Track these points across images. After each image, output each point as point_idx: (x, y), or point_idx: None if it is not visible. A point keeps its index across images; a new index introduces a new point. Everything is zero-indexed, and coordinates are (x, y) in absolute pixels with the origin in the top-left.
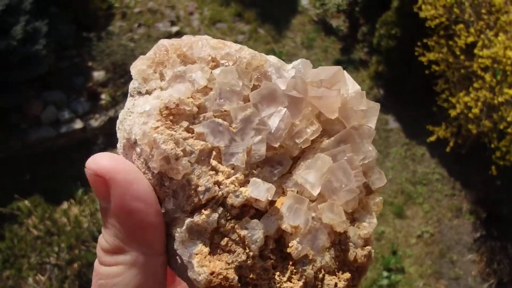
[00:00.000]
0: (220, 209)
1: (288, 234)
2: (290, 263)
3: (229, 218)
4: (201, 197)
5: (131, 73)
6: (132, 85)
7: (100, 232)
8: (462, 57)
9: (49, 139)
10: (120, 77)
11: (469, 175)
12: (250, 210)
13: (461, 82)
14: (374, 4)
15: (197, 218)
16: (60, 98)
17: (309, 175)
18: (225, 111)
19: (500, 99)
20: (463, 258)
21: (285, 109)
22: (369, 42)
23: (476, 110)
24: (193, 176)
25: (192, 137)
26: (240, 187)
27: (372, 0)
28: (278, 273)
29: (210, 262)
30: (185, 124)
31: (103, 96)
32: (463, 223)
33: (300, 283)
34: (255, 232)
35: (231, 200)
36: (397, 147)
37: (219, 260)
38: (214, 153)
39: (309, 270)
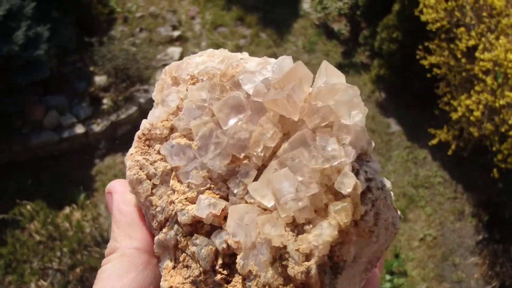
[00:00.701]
0: (176, 227)
1: (237, 249)
2: (240, 278)
3: (184, 235)
4: (159, 216)
5: None
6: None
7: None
8: (463, 60)
9: (51, 144)
10: (122, 81)
11: (471, 178)
12: (204, 226)
13: (462, 85)
14: (375, 8)
15: (160, 235)
16: (62, 102)
17: (258, 186)
18: (190, 129)
19: (502, 102)
20: (466, 261)
21: (245, 117)
22: (371, 46)
23: (477, 113)
24: (154, 197)
25: (161, 159)
26: (191, 204)
27: (373, 4)
28: (230, 287)
29: (171, 276)
30: (157, 147)
31: (105, 100)
32: (465, 226)
33: None
34: (201, 248)
35: (180, 218)
36: (399, 150)
37: (179, 275)
38: (173, 173)
39: (254, 286)
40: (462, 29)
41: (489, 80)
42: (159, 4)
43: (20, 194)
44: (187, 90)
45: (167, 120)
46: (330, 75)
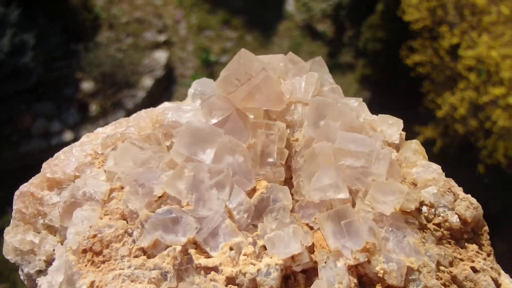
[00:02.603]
0: None
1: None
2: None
3: None
4: None
5: None
6: None
7: None
8: (446, 58)
9: (40, 151)
10: (109, 87)
11: (457, 174)
12: (295, 277)
13: (446, 83)
14: (359, 8)
15: None
16: (51, 109)
17: (321, 181)
18: (159, 197)
19: (485, 98)
20: None
21: (227, 137)
22: (355, 46)
23: (462, 110)
24: None
25: (145, 258)
26: (258, 260)
27: (357, 4)
28: None
29: None
30: (124, 250)
31: (93, 106)
32: None
33: None
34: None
35: (264, 284)
36: None
37: None
38: (191, 250)
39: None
40: (445, 27)
41: (472, 77)
42: (145, 9)
43: (10, 202)
44: (102, 169)
45: (106, 214)
46: (271, 57)
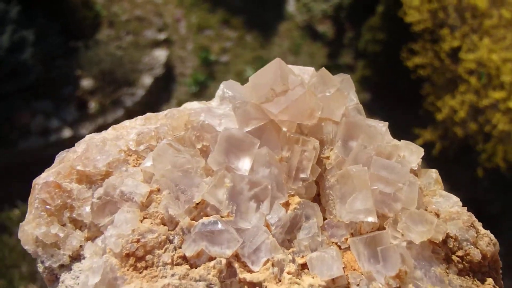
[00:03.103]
0: None
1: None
2: None
3: None
4: None
5: None
6: None
7: None
8: (447, 61)
9: (39, 148)
10: (109, 85)
11: (456, 177)
12: None
13: (446, 85)
14: (359, 10)
15: None
16: (49, 107)
17: (356, 203)
18: (197, 204)
19: (485, 102)
20: None
21: (265, 149)
22: (355, 47)
23: (462, 113)
24: None
25: (187, 267)
26: (298, 278)
27: (357, 6)
28: None
29: None
30: (167, 257)
31: (92, 104)
32: None
33: None
34: None
35: None
36: None
37: None
38: (235, 264)
39: None
40: (446, 30)
41: (473, 80)
42: (145, 8)
43: (8, 199)
44: (139, 168)
45: (145, 217)
46: (302, 69)
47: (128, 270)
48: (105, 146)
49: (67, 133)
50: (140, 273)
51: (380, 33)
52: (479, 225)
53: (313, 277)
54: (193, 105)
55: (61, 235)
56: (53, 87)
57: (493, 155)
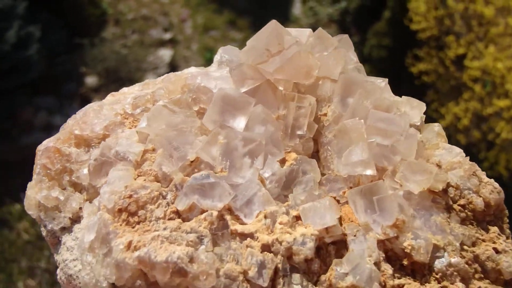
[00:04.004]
0: (296, 278)
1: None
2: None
3: (309, 280)
4: (264, 277)
5: None
6: None
7: None
8: (452, 68)
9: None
10: (113, 83)
11: None
12: (327, 248)
13: (450, 93)
14: (365, 14)
15: None
16: (53, 103)
17: (352, 156)
18: (192, 161)
19: (489, 110)
20: None
21: (260, 106)
22: (360, 52)
23: (465, 121)
24: (228, 266)
25: (180, 221)
26: (292, 229)
27: (363, 10)
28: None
29: None
30: (159, 212)
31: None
32: None
33: None
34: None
35: (300, 253)
36: None
37: None
38: (227, 216)
39: None
40: (452, 37)
41: (477, 88)
42: (151, 7)
43: (9, 193)
44: (134, 129)
45: (139, 175)
46: (299, 31)
47: (121, 225)
48: (102, 110)
49: None
50: (133, 227)
51: (385, 39)
52: (482, 174)
53: (306, 227)
54: (191, 70)
55: (62, 198)
56: (57, 84)
57: (496, 163)
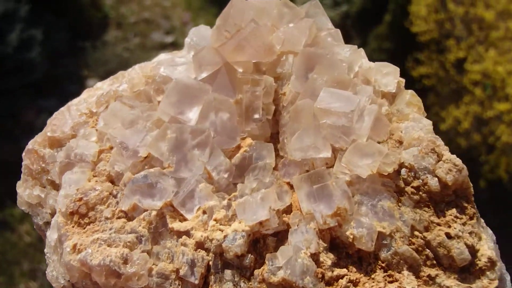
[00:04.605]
0: (228, 274)
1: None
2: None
3: (243, 276)
4: (192, 279)
5: None
6: None
7: None
8: (452, 71)
9: None
10: None
11: None
12: (265, 240)
13: (451, 96)
14: (366, 18)
15: None
16: (54, 105)
17: (302, 141)
18: (145, 157)
19: (490, 113)
20: None
21: (212, 94)
22: None
23: (466, 124)
24: (160, 265)
25: (125, 220)
26: (229, 224)
27: (364, 14)
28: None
29: None
30: (108, 212)
31: None
32: None
33: None
34: (295, 261)
35: (230, 250)
36: None
37: None
38: (167, 214)
39: None
40: (452, 41)
41: (477, 91)
42: (153, 10)
43: (10, 195)
44: (95, 129)
45: (95, 175)
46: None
47: (73, 226)
48: (70, 111)
49: None
50: (83, 228)
51: (386, 42)
52: (444, 150)
53: (240, 222)
54: (160, 57)
55: (42, 195)
56: (59, 86)
57: (496, 167)
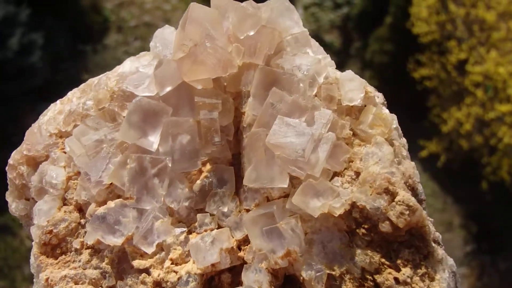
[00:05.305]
0: None
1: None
2: None
3: None
4: None
5: None
6: None
7: None
8: (454, 73)
9: None
10: None
11: (460, 190)
12: (220, 277)
13: (452, 98)
14: (367, 20)
15: None
16: None
17: (256, 172)
18: (109, 184)
19: (491, 115)
20: None
21: (170, 119)
22: (362, 57)
23: (467, 126)
24: None
25: (91, 252)
26: (184, 263)
27: (365, 16)
28: None
29: None
30: (77, 242)
31: None
32: (454, 237)
33: None
34: None
35: None
36: None
37: None
38: (128, 249)
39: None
40: (453, 42)
41: (479, 93)
42: (153, 14)
43: None
44: (63, 151)
45: (64, 203)
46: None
47: (47, 257)
48: (41, 130)
49: None
50: (56, 258)
51: (387, 44)
52: (399, 188)
53: (193, 263)
54: (124, 68)
55: (28, 207)
56: (60, 90)
57: (498, 168)
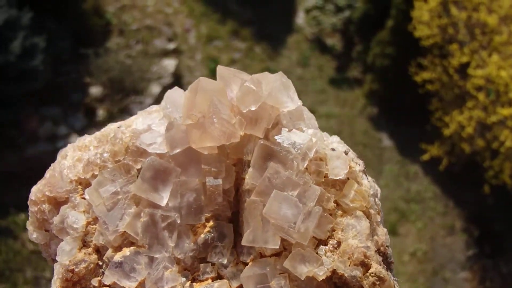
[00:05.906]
0: None
1: None
2: None
3: None
4: None
5: None
6: None
7: None
8: (455, 76)
9: (46, 154)
10: (117, 93)
11: (462, 193)
12: None
13: (454, 101)
14: (369, 23)
15: None
16: (57, 113)
17: (252, 236)
18: (124, 231)
19: (493, 118)
20: (456, 276)
21: (180, 178)
22: (364, 61)
23: (469, 129)
24: None
25: None
26: None
27: (367, 19)
28: None
29: None
30: (94, 282)
31: (100, 112)
32: (456, 241)
33: None
34: None
35: None
36: (391, 164)
37: None
38: None
39: None
40: (455, 45)
41: (481, 96)
42: (155, 17)
43: (14, 203)
44: (83, 198)
45: (84, 246)
46: (229, 79)
47: None
48: (62, 176)
49: (74, 140)
50: None
51: (389, 47)
52: (373, 260)
53: None
54: (137, 125)
55: (47, 238)
56: (62, 94)
57: (500, 172)
